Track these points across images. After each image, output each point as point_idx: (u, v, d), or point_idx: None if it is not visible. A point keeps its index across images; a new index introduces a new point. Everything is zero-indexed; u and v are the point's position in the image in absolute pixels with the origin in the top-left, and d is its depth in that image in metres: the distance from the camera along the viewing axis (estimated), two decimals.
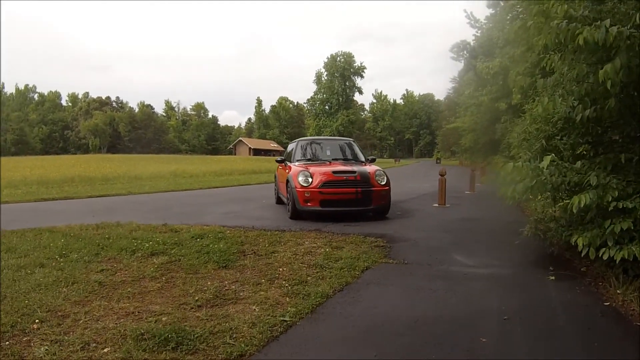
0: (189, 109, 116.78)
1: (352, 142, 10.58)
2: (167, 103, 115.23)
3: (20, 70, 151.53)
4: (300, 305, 4.02)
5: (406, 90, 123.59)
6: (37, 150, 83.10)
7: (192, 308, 4.11)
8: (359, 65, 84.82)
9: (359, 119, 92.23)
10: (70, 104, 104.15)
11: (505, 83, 11.88)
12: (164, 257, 5.86)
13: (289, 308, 3.97)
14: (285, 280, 4.80)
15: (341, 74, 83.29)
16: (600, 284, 4.61)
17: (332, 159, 9.50)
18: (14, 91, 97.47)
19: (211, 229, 7.53)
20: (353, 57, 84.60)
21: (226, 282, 4.85)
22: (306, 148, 10.08)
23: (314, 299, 4.17)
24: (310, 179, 8.26)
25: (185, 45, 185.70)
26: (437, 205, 11.07)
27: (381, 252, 5.90)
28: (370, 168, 8.84)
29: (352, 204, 8.25)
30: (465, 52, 59.57)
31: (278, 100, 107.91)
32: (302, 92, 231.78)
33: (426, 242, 6.68)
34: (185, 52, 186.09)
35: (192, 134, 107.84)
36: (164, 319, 3.79)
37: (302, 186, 8.22)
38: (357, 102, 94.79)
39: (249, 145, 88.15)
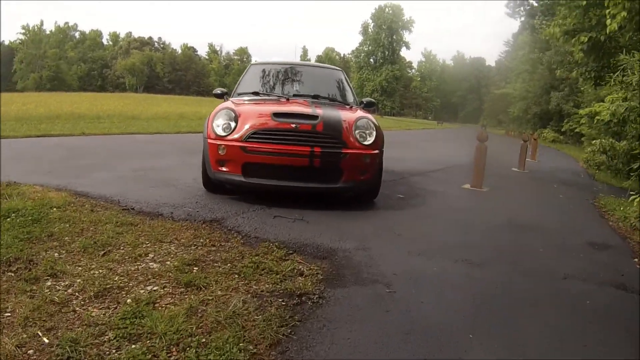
0: (232, 54, 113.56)
1: (341, 74, 6.68)
2: (210, 46, 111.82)
3: (63, 9, 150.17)
4: None
5: (457, 51, 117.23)
6: (74, 88, 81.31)
7: None
8: (408, 19, 78.46)
9: (404, 75, 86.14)
10: (111, 42, 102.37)
11: (587, 9, 7.75)
12: None
13: None
14: None
15: (389, 26, 77.03)
16: None
17: (294, 96, 5.71)
18: (53, 29, 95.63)
19: (53, 197, 4.32)
20: (402, 9, 78.03)
21: None
22: (261, 76, 6.29)
23: None
24: (233, 124, 4.64)
25: None
26: (468, 187, 7.31)
27: (273, 331, 2.24)
28: (349, 114, 5.15)
29: (302, 176, 4.59)
30: (522, 9, 53.80)
31: (324, 51, 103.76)
32: (351, 46, 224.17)
33: (414, 295, 2.83)
34: None
35: (233, 78, 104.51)
36: None
37: (217, 136, 4.64)
38: (405, 59, 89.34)
39: None
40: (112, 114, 22.23)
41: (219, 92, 6.03)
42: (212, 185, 4.98)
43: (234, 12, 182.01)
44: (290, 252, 3.30)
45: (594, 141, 11.94)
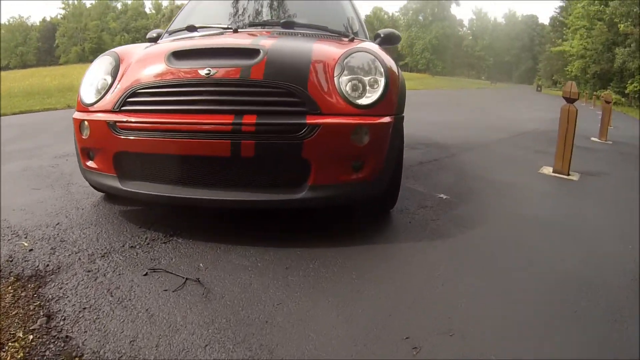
0: None
1: None
2: None
3: None
4: None
5: (508, 9, 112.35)
6: None
7: None
8: None
9: (455, 33, 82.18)
10: (154, 11, 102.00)
11: None
12: None
13: None
14: None
15: None
16: None
17: (251, 25, 3.24)
18: (93, 2, 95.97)
19: None
20: None
21: None
22: (210, 4, 3.87)
23: None
24: (109, 80, 2.46)
25: None
26: (549, 172, 4.94)
27: None
28: (333, 47, 2.58)
29: (223, 178, 2.24)
30: None
31: (373, 10, 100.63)
32: (399, 4, 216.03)
33: None
34: None
35: None
36: None
37: (83, 104, 2.48)
38: (455, 17, 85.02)
39: None
40: None
41: (154, 34, 3.69)
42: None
43: None
44: None
45: None
